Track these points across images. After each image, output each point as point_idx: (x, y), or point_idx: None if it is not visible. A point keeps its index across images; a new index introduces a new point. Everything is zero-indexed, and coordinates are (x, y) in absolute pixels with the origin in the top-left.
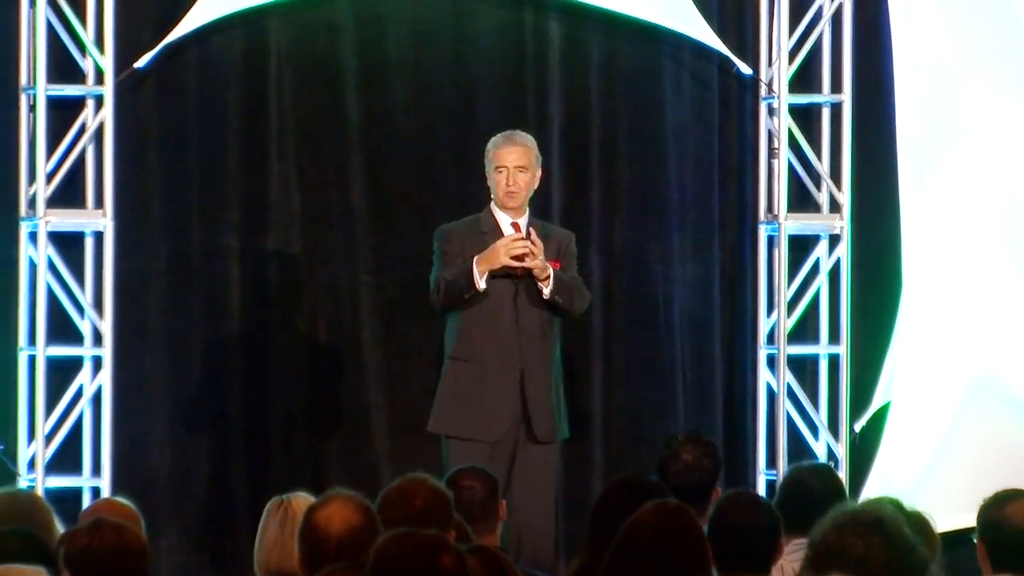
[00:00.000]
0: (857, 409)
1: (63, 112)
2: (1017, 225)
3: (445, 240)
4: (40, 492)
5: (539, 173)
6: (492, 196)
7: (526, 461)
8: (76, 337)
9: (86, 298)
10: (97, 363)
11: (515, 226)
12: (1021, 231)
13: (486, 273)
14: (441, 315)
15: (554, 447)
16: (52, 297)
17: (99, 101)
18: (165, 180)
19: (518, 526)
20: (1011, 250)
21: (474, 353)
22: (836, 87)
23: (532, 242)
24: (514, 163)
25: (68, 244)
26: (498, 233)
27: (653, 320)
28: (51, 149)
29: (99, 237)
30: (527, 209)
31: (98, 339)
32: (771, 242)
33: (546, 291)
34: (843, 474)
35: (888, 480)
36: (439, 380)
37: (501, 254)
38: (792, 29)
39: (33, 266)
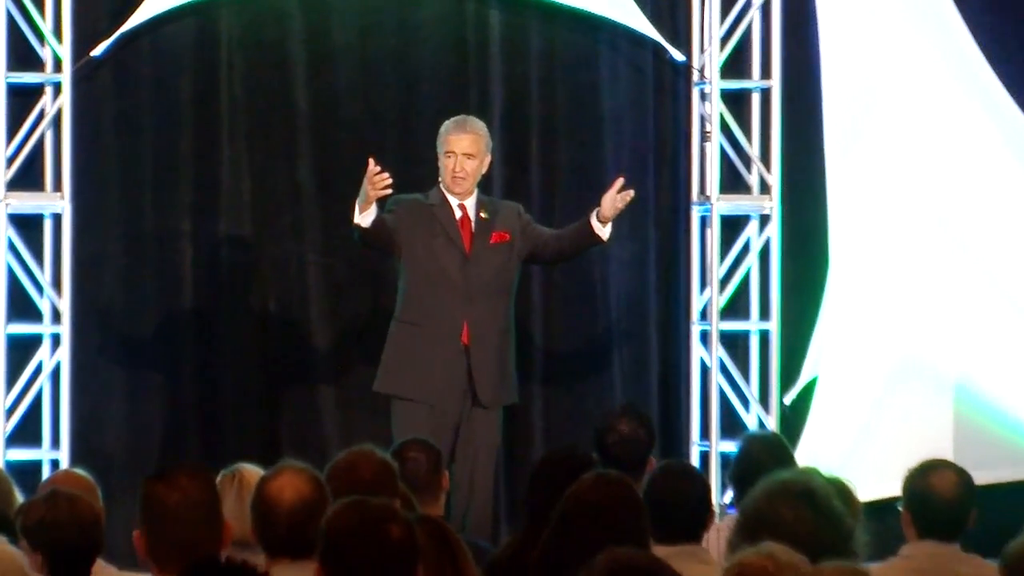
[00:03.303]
0: (786, 383)
1: (22, 99)
2: (939, 208)
3: (393, 203)
4: (0, 465)
5: (488, 159)
6: (440, 178)
7: (469, 425)
8: (35, 315)
9: (45, 278)
10: (56, 340)
11: (462, 207)
12: (943, 214)
13: (367, 210)
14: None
15: (496, 413)
16: (12, 277)
17: (57, 88)
18: (120, 164)
19: (461, 490)
20: (934, 233)
21: (418, 316)
22: (766, 73)
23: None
24: (462, 150)
25: (27, 226)
26: (445, 206)
27: (590, 297)
28: (11, 134)
29: (57, 219)
30: (476, 191)
31: (57, 317)
32: (704, 222)
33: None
34: None
35: (817, 452)
36: (387, 341)
37: (367, 189)
38: (723, 17)
39: None
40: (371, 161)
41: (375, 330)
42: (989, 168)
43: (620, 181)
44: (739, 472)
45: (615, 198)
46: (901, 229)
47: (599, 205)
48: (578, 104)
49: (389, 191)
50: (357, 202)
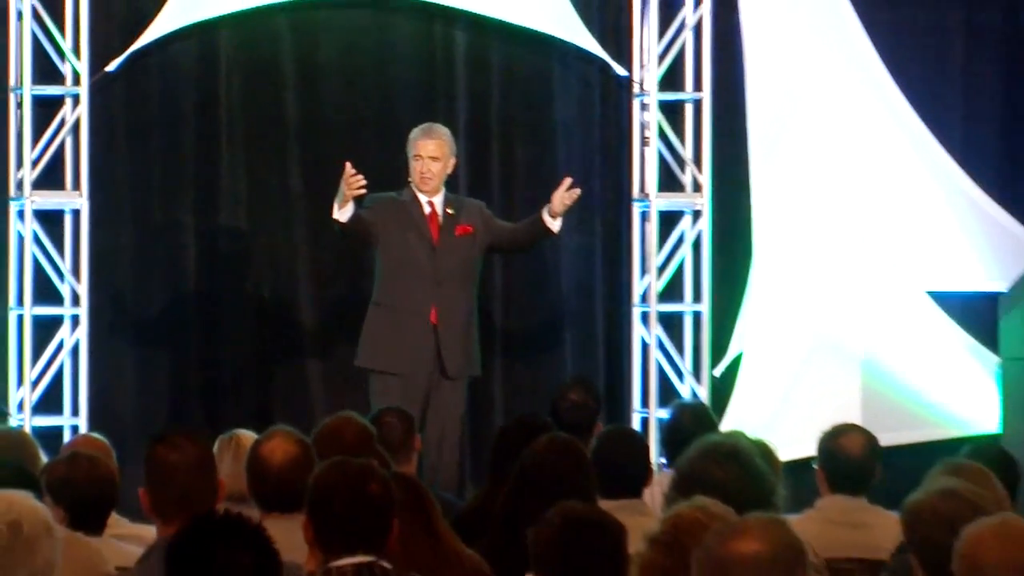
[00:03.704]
0: (716, 358)
1: (45, 109)
2: (849, 204)
3: (370, 200)
4: (27, 430)
5: (453, 161)
6: (410, 178)
7: (438, 394)
8: (57, 299)
9: (65, 266)
10: (75, 321)
11: (430, 204)
12: (853, 210)
13: (345, 207)
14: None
15: (461, 383)
16: (36, 265)
17: (76, 99)
18: (131, 166)
19: (431, 451)
20: (844, 227)
21: (392, 299)
22: (698, 86)
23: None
24: (429, 153)
25: (50, 220)
26: (416, 203)
27: (545, 283)
28: (35, 140)
29: (76, 214)
30: (442, 189)
31: (75, 300)
32: (643, 217)
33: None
34: None
35: (742, 417)
36: (365, 321)
37: (344, 189)
38: (660, 37)
39: (20, 239)
40: (348, 165)
41: (355, 312)
42: (891, 166)
43: (568, 181)
44: (669, 436)
45: (564, 196)
46: (816, 223)
47: (550, 202)
48: (533, 113)
49: (363, 191)
50: (336, 200)
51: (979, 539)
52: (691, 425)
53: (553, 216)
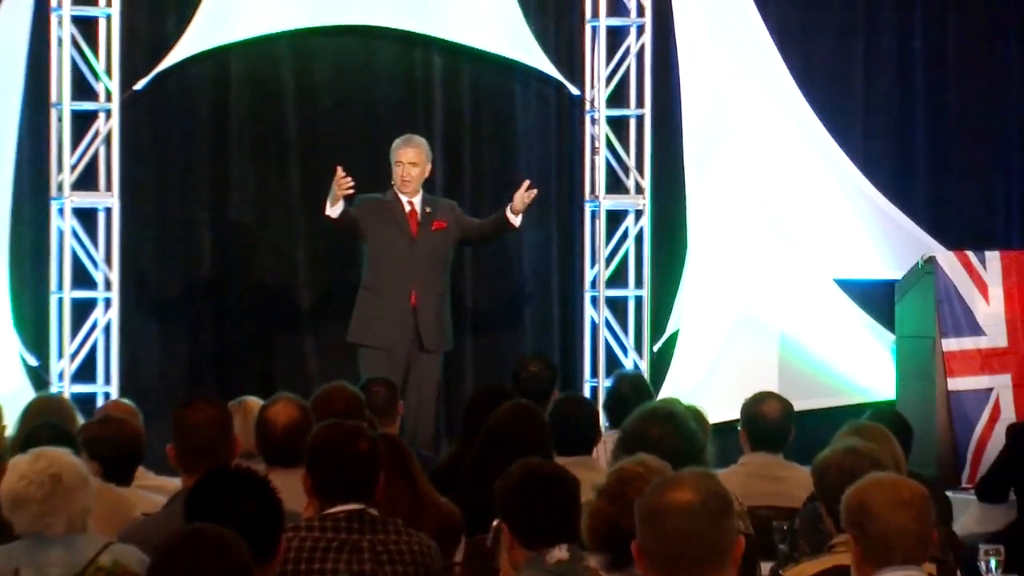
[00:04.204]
0: (655, 335)
1: (82, 121)
2: (768, 204)
3: (359, 200)
4: (66, 396)
5: (429, 167)
6: (393, 181)
7: (417, 365)
8: (91, 284)
9: (99, 255)
10: (107, 303)
11: (410, 203)
12: (771, 209)
13: (335, 205)
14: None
15: (437, 356)
16: (74, 255)
17: (108, 114)
18: (155, 170)
19: (411, 415)
20: (763, 224)
21: (378, 284)
22: (640, 103)
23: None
24: (408, 160)
25: (86, 217)
26: (397, 202)
27: (508, 271)
28: (73, 148)
29: (108, 212)
30: (420, 190)
31: (108, 285)
32: (593, 215)
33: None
34: None
35: (677, 386)
36: (355, 303)
37: (335, 189)
38: (608, 62)
39: (60, 233)
40: (339, 169)
41: (346, 295)
42: (803, 173)
43: (527, 183)
44: (610, 402)
45: (523, 196)
46: (740, 221)
47: (512, 201)
48: (498, 126)
49: (352, 191)
50: (328, 199)
51: (865, 487)
52: (629, 392)
53: (515, 213)
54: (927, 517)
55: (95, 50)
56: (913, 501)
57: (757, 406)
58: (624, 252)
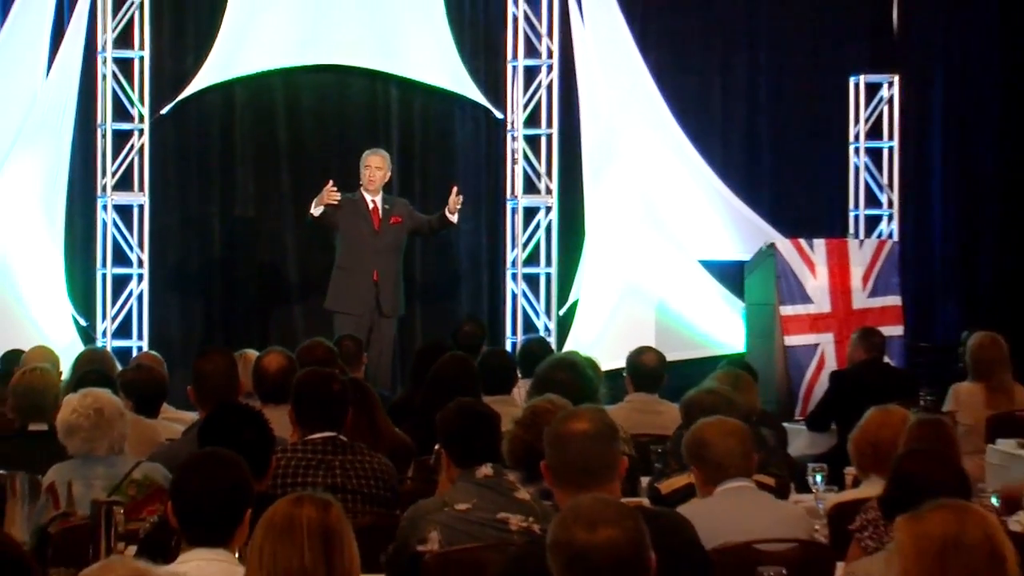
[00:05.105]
0: (561, 302)
1: (121, 138)
2: (648, 201)
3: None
4: (108, 349)
5: (389, 173)
6: (361, 183)
7: (378, 326)
8: (128, 263)
9: (134, 240)
10: (140, 278)
11: (373, 202)
12: (652, 206)
13: (319, 207)
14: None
15: (393, 319)
16: (115, 241)
17: (141, 132)
18: (177, 175)
19: (373, 364)
20: (644, 216)
21: (348, 263)
22: (549, 124)
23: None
24: (375, 164)
25: (124, 212)
26: (363, 201)
27: (448, 253)
28: (114, 158)
29: (141, 207)
30: (381, 191)
31: (140, 264)
32: (513, 211)
33: (454, 219)
34: (553, 339)
35: (578, 341)
36: (331, 278)
37: (324, 196)
38: (525, 92)
39: (104, 224)
40: (331, 182)
41: (324, 273)
42: (673, 176)
43: (455, 189)
44: (521, 356)
45: (453, 200)
46: (626, 213)
47: (448, 205)
48: (442, 141)
49: (335, 202)
50: (314, 201)
51: (699, 426)
52: (536, 349)
53: (451, 213)
54: (749, 442)
55: (131, 83)
56: (736, 431)
57: (639, 357)
58: (537, 239)
